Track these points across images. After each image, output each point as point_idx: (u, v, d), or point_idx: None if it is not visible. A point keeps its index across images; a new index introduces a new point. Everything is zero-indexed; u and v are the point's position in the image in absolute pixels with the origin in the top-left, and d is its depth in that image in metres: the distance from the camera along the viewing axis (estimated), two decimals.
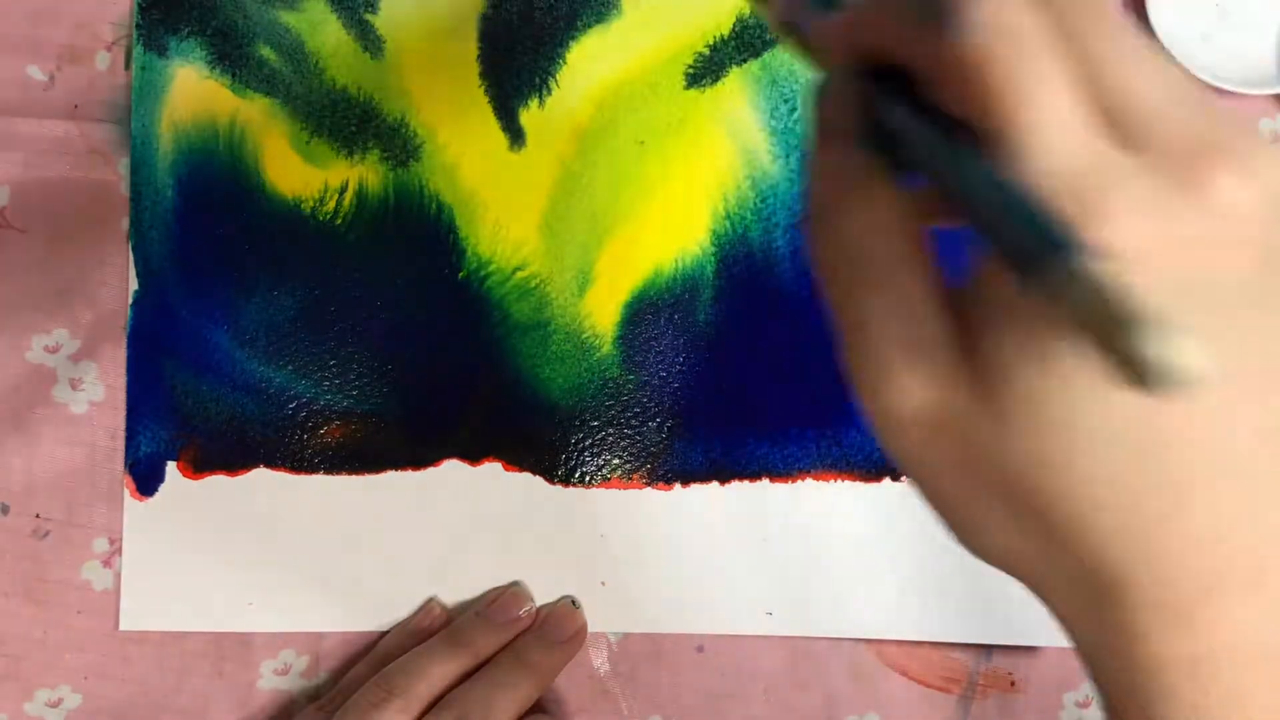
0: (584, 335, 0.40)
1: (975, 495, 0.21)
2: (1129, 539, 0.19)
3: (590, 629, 0.40)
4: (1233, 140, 0.18)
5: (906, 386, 0.20)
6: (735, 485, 0.40)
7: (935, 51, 0.19)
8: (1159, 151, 0.18)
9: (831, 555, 0.40)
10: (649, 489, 0.40)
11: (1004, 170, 0.18)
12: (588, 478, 0.40)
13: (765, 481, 0.41)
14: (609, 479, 0.40)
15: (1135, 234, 0.17)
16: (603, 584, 0.40)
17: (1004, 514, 0.20)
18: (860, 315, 0.20)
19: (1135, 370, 0.14)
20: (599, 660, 0.41)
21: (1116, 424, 0.18)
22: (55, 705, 0.40)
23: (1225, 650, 0.20)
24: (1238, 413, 0.19)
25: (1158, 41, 0.40)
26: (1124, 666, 0.21)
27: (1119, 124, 0.19)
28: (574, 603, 0.40)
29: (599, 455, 0.40)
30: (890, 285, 0.20)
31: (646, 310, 0.40)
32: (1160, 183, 0.18)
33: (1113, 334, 0.15)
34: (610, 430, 0.40)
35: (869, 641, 0.41)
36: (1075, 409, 0.18)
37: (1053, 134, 0.18)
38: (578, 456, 0.40)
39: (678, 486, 0.40)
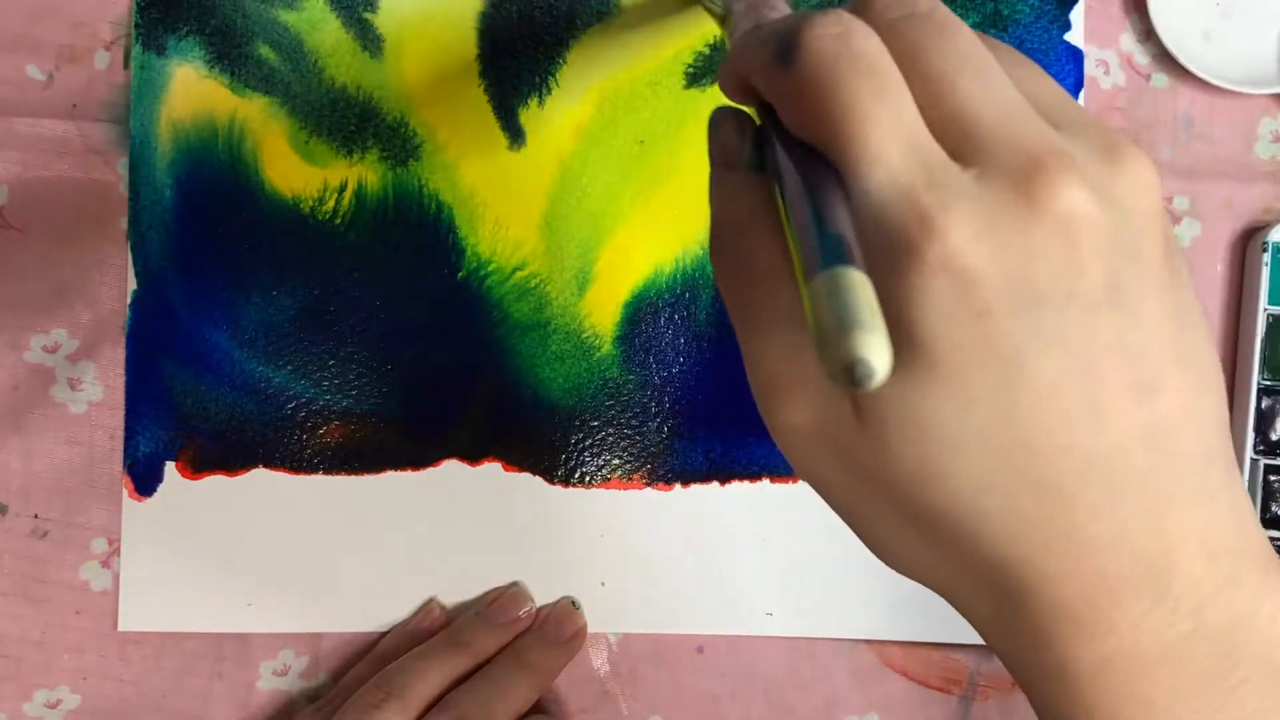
0: (584, 335, 0.40)
1: (872, 507, 0.21)
2: (1019, 543, 0.19)
3: (590, 629, 0.40)
4: (1071, 148, 0.19)
5: (795, 400, 0.20)
6: (735, 485, 0.40)
7: (783, 83, 0.20)
8: (996, 164, 0.18)
9: (831, 555, 0.40)
10: (649, 489, 0.40)
11: (830, 194, 0.19)
12: (588, 478, 0.40)
13: (765, 481, 0.40)
14: (609, 479, 0.40)
15: (969, 250, 0.18)
16: (603, 584, 0.40)
17: (901, 525, 0.21)
18: (752, 331, 0.21)
19: (833, 371, 0.16)
20: (599, 661, 0.41)
21: (982, 430, 0.19)
22: (54, 706, 0.40)
23: (1131, 655, 0.20)
24: (1103, 414, 0.19)
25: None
26: (1037, 672, 0.21)
27: (958, 139, 0.19)
28: (574, 603, 0.40)
29: (599, 455, 0.40)
30: (776, 302, 0.20)
31: (646, 310, 0.40)
32: (997, 196, 0.18)
33: (823, 342, 0.16)
34: (610, 430, 0.40)
35: (869, 642, 0.41)
36: (938, 418, 0.19)
37: (886, 150, 0.18)
38: (578, 456, 0.40)
39: (678, 486, 0.40)
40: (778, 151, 0.20)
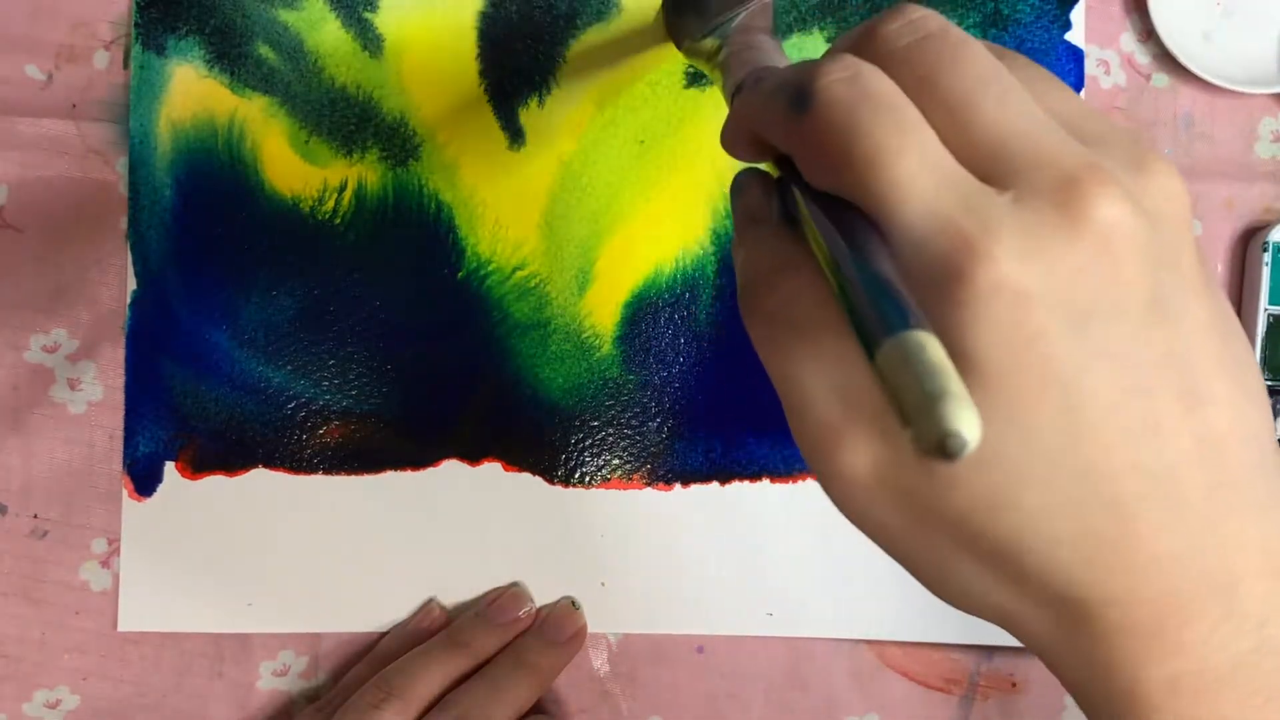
0: (584, 335, 0.40)
1: (934, 547, 0.20)
2: (1086, 566, 0.19)
3: (590, 629, 0.40)
4: (1103, 161, 0.19)
5: (848, 447, 0.20)
6: (735, 485, 0.40)
7: (800, 133, 0.20)
8: (1031, 185, 0.18)
9: (831, 555, 0.40)
10: (649, 489, 0.40)
11: (869, 242, 0.18)
12: (588, 478, 0.40)
13: (765, 481, 0.40)
14: (609, 479, 0.40)
15: (1017, 272, 0.18)
16: (603, 584, 0.40)
17: (965, 560, 0.20)
18: (796, 381, 0.21)
19: (925, 445, 0.15)
20: (599, 661, 0.41)
21: (1047, 454, 0.18)
22: (54, 706, 0.39)
23: (1199, 674, 0.20)
24: (1160, 428, 0.19)
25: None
26: (1104, 696, 0.21)
27: (988, 163, 0.19)
28: (574, 603, 0.40)
29: (599, 455, 0.40)
30: (820, 349, 0.20)
31: (646, 310, 0.40)
32: (1036, 216, 0.18)
33: (911, 415, 0.16)
34: (610, 430, 0.40)
35: (869, 642, 0.41)
36: (1003, 444, 0.18)
37: (918, 184, 0.18)
38: (578, 456, 0.40)
39: (678, 486, 0.40)
40: (805, 204, 0.20)
